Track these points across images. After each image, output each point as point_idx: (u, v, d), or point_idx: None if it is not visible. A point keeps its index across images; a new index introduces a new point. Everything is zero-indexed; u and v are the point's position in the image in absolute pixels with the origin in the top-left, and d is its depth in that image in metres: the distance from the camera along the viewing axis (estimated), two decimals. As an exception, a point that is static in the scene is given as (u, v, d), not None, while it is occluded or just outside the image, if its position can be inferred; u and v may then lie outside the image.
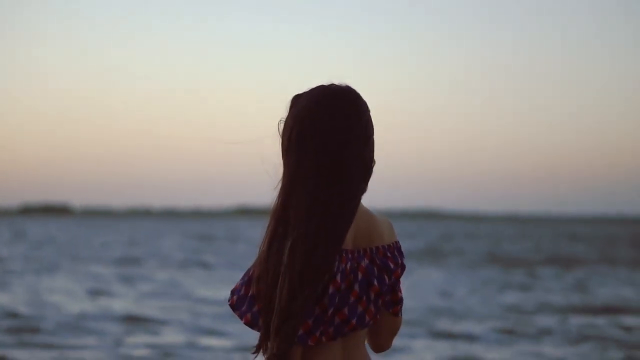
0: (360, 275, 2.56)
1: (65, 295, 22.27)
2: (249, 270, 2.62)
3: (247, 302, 2.59)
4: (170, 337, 15.34)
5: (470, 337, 15.72)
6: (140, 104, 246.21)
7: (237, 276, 29.86)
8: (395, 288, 2.62)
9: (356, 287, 2.55)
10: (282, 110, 2.66)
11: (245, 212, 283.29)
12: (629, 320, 18.44)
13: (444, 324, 17.32)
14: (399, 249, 2.63)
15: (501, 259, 43.61)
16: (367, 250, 2.60)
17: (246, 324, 2.60)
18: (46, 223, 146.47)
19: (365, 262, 2.58)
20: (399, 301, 2.63)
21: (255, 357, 2.57)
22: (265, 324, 2.53)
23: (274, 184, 2.62)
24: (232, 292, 2.63)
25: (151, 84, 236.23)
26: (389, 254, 2.60)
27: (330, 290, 2.53)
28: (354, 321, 2.56)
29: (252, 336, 13.08)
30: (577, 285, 27.66)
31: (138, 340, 14.85)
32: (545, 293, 24.89)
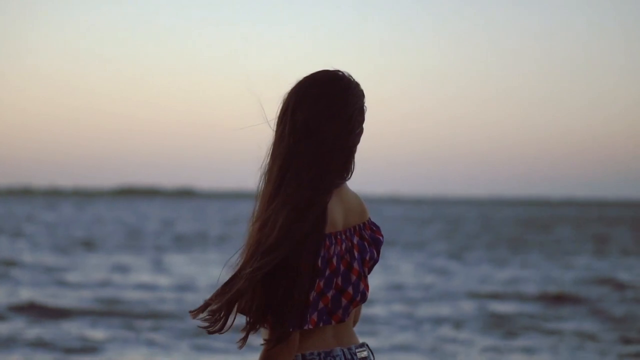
0: (356, 253, 2.67)
1: None
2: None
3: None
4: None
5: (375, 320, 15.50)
6: (21, 80, 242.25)
7: (121, 257, 28.89)
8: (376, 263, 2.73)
9: (355, 265, 2.66)
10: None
11: (127, 192, 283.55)
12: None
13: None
14: (374, 223, 2.76)
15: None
16: (356, 227, 2.70)
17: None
18: None
19: (356, 239, 2.69)
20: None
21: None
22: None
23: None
24: None
25: (34, 59, 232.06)
26: (374, 228, 2.73)
27: (327, 273, 2.62)
28: (357, 298, 2.68)
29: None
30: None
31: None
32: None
